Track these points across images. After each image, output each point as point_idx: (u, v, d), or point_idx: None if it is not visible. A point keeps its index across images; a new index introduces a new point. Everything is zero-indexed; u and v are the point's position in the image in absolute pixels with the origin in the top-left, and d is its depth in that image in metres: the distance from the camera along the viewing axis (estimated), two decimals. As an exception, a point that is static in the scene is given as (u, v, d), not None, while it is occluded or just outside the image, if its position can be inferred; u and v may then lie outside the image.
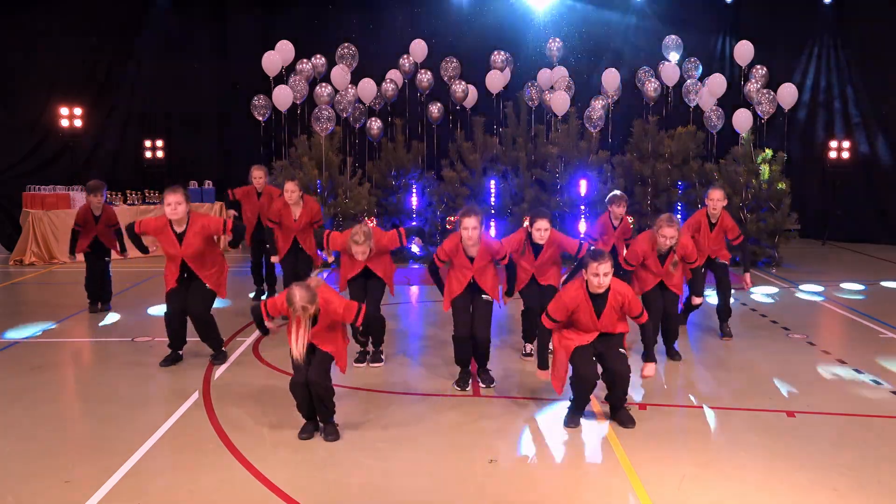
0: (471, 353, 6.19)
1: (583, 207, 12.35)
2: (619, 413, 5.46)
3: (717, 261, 7.73)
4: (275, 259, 8.62)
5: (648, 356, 5.50)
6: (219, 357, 6.95)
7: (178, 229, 6.60)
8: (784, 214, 12.12)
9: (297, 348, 5.04)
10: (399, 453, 4.99)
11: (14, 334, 7.97)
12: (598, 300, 5.29)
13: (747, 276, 7.91)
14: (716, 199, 7.56)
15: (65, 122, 14.52)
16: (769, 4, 15.27)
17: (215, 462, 4.82)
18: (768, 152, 12.21)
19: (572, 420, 5.42)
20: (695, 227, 7.65)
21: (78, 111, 14.60)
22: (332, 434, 5.20)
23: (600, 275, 5.15)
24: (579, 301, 5.29)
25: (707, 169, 12.60)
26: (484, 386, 6.24)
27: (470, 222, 5.99)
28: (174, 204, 6.47)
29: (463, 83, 13.28)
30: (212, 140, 15.92)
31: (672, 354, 7.04)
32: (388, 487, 4.53)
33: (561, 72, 13.23)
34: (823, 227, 14.88)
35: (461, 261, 6.14)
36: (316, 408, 5.22)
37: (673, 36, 13.26)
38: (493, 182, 12.80)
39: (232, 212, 9.74)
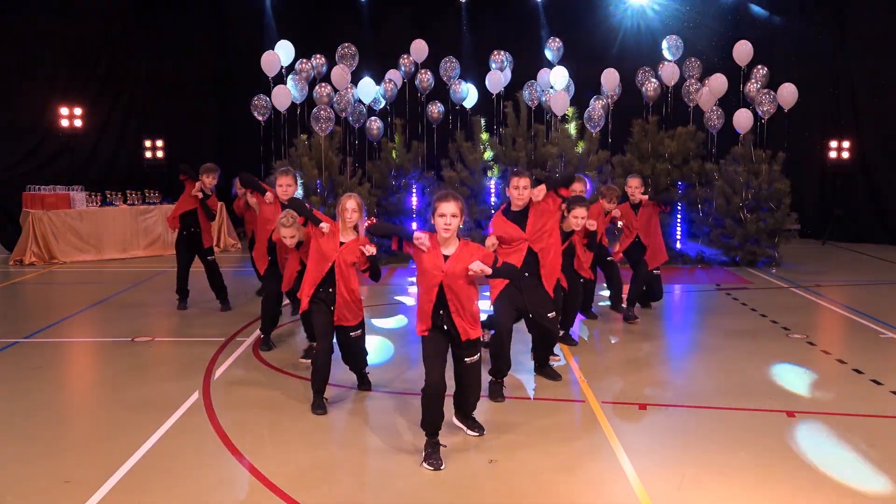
0: (442, 413, 4.82)
1: None
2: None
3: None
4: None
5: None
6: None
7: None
8: (784, 214, 12.11)
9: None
10: (399, 454, 4.99)
11: (13, 335, 7.98)
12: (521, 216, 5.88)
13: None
14: (634, 186, 8.23)
15: (65, 122, 14.55)
16: (770, 3, 15.27)
17: (215, 462, 4.82)
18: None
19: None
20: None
21: (78, 111, 14.62)
22: (367, 385, 6.16)
23: (520, 188, 5.77)
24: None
25: (707, 169, 12.59)
26: (475, 434, 5.27)
27: (448, 208, 4.65)
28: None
29: (463, 83, 13.26)
30: (212, 140, 15.91)
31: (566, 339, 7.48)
32: (387, 488, 4.53)
33: (561, 72, 13.22)
34: (823, 227, 14.88)
35: (432, 261, 4.71)
36: (352, 358, 5.96)
37: (673, 36, 13.25)
38: (492, 182, 12.79)
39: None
